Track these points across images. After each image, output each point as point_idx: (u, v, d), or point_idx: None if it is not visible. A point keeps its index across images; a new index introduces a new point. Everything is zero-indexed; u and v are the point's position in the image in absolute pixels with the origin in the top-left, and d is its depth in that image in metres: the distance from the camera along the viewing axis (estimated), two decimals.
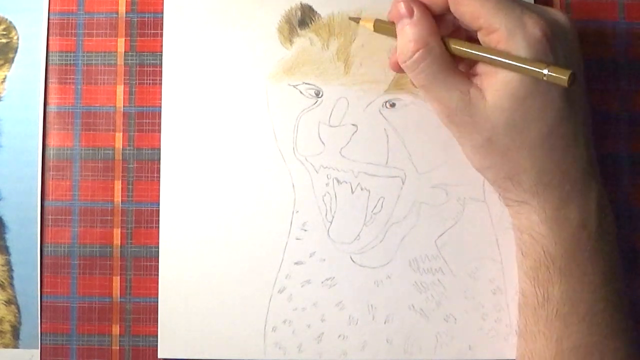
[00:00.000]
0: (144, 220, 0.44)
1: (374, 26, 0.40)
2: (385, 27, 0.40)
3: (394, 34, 0.39)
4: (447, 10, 0.38)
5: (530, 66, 0.35)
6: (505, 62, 0.35)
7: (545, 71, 0.34)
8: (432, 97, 0.38)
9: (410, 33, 0.37)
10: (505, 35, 0.36)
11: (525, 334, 0.39)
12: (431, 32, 0.37)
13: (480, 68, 0.38)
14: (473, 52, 0.37)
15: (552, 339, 0.37)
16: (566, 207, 0.37)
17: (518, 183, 0.38)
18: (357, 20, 0.42)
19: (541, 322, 0.38)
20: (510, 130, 0.37)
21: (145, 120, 0.45)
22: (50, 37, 0.45)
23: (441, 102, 0.38)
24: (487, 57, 0.36)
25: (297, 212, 0.43)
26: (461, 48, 0.37)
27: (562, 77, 0.34)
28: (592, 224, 0.38)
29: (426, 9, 0.38)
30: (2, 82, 0.44)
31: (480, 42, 0.38)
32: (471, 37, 0.39)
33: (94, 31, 0.45)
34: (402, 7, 0.38)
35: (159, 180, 0.44)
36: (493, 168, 0.38)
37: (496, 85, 0.36)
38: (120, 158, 0.45)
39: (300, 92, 0.44)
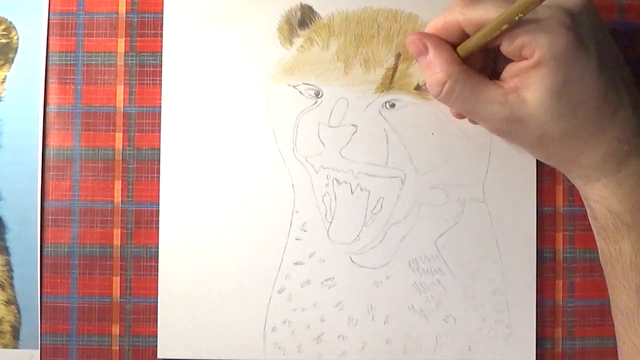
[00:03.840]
0: (144, 220, 0.44)
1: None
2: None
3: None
4: (464, 34, 0.38)
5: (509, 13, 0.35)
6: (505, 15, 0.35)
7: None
8: (476, 118, 0.39)
9: (432, 68, 0.38)
10: (527, 38, 0.36)
11: (610, 287, 0.40)
12: (451, 61, 0.38)
13: (510, 72, 0.38)
14: (480, 36, 0.37)
15: (633, 289, 0.38)
16: (625, 167, 0.38)
17: (579, 163, 0.39)
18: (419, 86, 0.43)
19: (620, 275, 0.39)
20: (559, 120, 0.37)
21: (145, 120, 0.45)
22: (50, 37, 0.45)
23: (486, 120, 0.38)
24: (490, 30, 0.36)
25: (297, 212, 0.43)
26: (469, 44, 0.38)
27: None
28: None
29: (439, 38, 0.39)
30: (2, 82, 0.44)
31: (507, 56, 0.38)
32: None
33: (94, 31, 0.45)
34: (416, 47, 0.39)
35: (159, 181, 0.44)
36: (554, 156, 0.39)
37: (532, 84, 0.37)
38: (120, 158, 0.45)
39: (300, 93, 0.44)
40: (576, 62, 0.36)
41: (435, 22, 0.39)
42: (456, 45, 0.39)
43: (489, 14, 0.36)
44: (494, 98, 0.37)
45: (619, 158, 0.38)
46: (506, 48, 0.37)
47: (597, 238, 0.41)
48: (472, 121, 0.41)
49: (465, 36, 0.38)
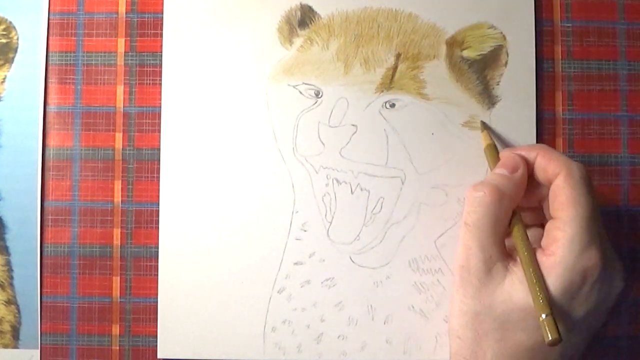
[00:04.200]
0: (144, 220, 0.44)
1: (485, 147, 0.42)
2: (491, 155, 0.42)
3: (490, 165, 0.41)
4: (547, 184, 0.38)
5: (541, 301, 0.35)
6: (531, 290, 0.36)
7: (544, 315, 0.34)
8: (464, 240, 0.38)
9: (497, 182, 0.38)
10: (566, 242, 0.36)
11: None
12: (513, 197, 0.38)
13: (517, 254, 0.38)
14: (519, 249, 0.37)
15: None
16: None
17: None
18: (483, 127, 0.43)
19: None
20: (501, 320, 0.37)
21: (145, 120, 0.45)
22: (50, 37, 0.45)
23: (467, 251, 0.38)
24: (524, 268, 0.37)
25: (297, 212, 0.43)
26: (515, 238, 0.38)
27: (549, 334, 0.34)
28: None
29: (527, 176, 0.39)
30: (2, 82, 0.44)
31: (545, 228, 0.38)
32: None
33: (94, 31, 0.45)
34: (511, 161, 0.39)
35: (159, 181, 0.44)
36: (462, 341, 0.38)
37: (521, 278, 0.36)
38: (120, 158, 0.45)
39: (300, 93, 0.44)
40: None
41: (540, 156, 0.39)
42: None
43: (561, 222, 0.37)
44: (492, 250, 0.37)
45: None
46: (550, 227, 0.37)
47: None
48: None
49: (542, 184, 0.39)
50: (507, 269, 0.37)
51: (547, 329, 0.34)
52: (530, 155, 0.39)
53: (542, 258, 0.36)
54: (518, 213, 0.39)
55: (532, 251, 0.37)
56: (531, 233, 0.39)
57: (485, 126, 0.43)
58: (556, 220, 0.37)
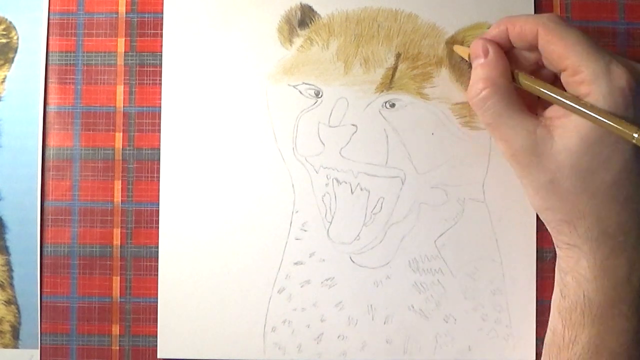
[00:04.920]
0: (144, 220, 0.44)
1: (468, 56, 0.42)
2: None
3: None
4: (534, 47, 0.39)
5: (620, 126, 0.35)
6: (591, 114, 0.36)
7: (636, 135, 0.34)
8: (498, 135, 0.39)
9: (480, 72, 0.39)
10: (590, 78, 0.36)
11: None
12: (502, 74, 0.39)
13: (551, 110, 0.38)
14: (550, 94, 0.38)
15: None
16: (616, 257, 0.37)
17: (574, 227, 0.38)
18: (451, 45, 0.43)
19: None
20: (575, 174, 0.37)
21: (145, 120, 0.45)
22: (50, 37, 0.45)
23: (507, 141, 0.38)
24: (566, 103, 0.37)
25: (297, 212, 0.43)
26: (535, 86, 0.38)
27: None
28: (636, 279, 0.38)
29: (501, 49, 0.39)
30: (2, 82, 0.44)
31: (563, 82, 0.38)
32: (550, 79, 0.40)
33: (94, 31, 0.45)
34: (479, 47, 0.39)
35: (159, 180, 0.44)
36: (552, 210, 0.39)
37: (566, 127, 0.37)
38: (120, 158, 0.45)
39: (300, 92, 0.44)
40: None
41: (510, 23, 0.39)
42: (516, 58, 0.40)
43: (570, 61, 0.37)
44: (524, 124, 0.38)
45: (612, 245, 0.37)
46: (566, 77, 0.38)
47: (555, 318, 0.40)
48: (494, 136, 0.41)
49: (530, 46, 0.39)
50: (548, 128, 0.37)
51: None
52: (500, 30, 0.39)
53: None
54: (518, 72, 0.39)
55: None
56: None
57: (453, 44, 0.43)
58: (568, 69, 0.37)
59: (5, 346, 0.44)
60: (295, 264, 0.43)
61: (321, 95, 0.44)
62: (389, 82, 0.44)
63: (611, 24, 0.45)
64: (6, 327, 0.44)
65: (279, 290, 0.43)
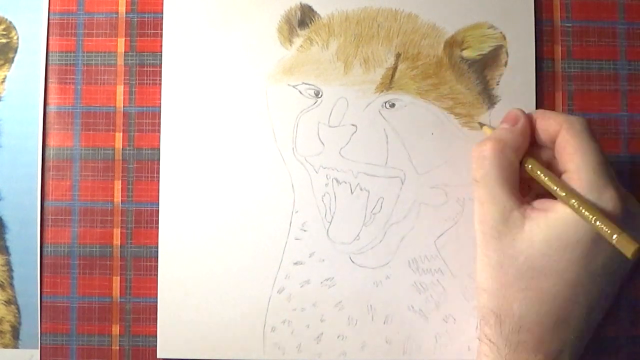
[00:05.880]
0: (144, 220, 0.44)
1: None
2: None
3: None
4: (551, 144, 0.39)
5: (605, 225, 0.34)
6: (580, 210, 0.36)
7: (615, 236, 0.34)
8: (478, 196, 0.39)
9: (499, 134, 0.39)
10: (583, 188, 0.36)
11: None
12: (515, 148, 0.39)
13: (536, 202, 0.38)
14: (548, 181, 0.38)
15: None
16: None
17: (500, 323, 0.37)
18: (482, 125, 0.43)
19: None
20: (525, 268, 0.37)
21: (145, 120, 0.45)
22: (50, 37, 0.45)
23: (482, 205, 0.39)
24: (561, 194, 0.37)
25: (297, 212, 0.43)
26: (536, 175, 0.38)
27: (629, 246, 0.33)
28: None
29: (529, 130, 0.39)
30: (2, 82, 0.45)
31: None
32: None
33: (94, 31, 0.45)
34: (513, 114, 0.40)
35: (159, 180, 0.44)
36: (489, 294, 0.38)
37: (540, 223, 0.37)
38: (120, 158, 0.45)
39: (300, 92, 0.44)
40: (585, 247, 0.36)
41: (539, 117, 0.39)
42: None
43: (575, 165, 0.37)
44: (506, 200, 0.38)
45: (522, 352, 0.37)
46: (564, 179, 0.38)
47: None
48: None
49: (550, 141, 0.39)
50: (524, 216, 0.37)
51: (628, 242, 0.34)
52: (529, 119, 0.40)
53: None
54: (529, 156, 0.39)
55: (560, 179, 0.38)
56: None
57: (482, 125, 0.43)
58: (568, 172, 0.37)
59: (5, 346, 0.44)
60: (295, 264, 0.43)
61: (321, 95, 0.44)
62: (388, 82, 0.44)
63: (611, 24, 0.45)
64: (6, 327, 0.44)
65: (278, 290, 0.43)
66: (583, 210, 0.35)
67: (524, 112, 0.40)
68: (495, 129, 0.40)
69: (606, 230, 0.34)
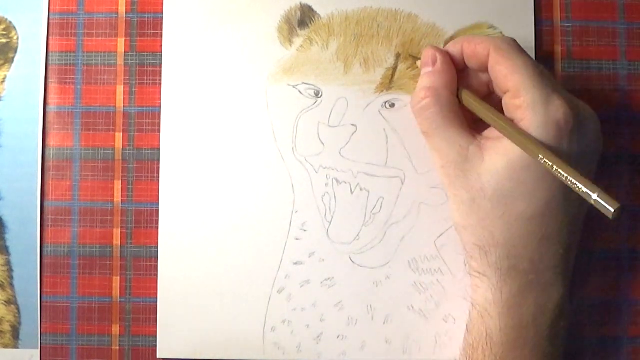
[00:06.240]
0: (144, 220, 0.44)
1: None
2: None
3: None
4: (485, 68, 0.39)
5: (581, 183, 0.33)
6: (520, 140, 0.36)
7: (594, 195, 0.33)
8: (432, 145, 0.39)
9: (425, 81, 0.39)
10: (528, 104, 0.36)
11: None
12: (446, 85, 0.39)
13: (488, 131, 0.39)
14: (487, 113, 0.38)
15: None
16: (523, 296, 0.37)
17: (485, 254, 0.38)
18: (416, 58, 0.43)
19: None
20: (496, 198, 0.37)
21: (145, 120, 0.45)
22: (50, 37, 0.45)
23: (439, 152, 0.39)
24: (501, 125, 0.37)
25: (297, 212, 0.43)
26: (475, 103, 0.38)
27: (609, 207, 0.32)
28: (543, 323, 0.37)
29: (450, 61, 0.39)
30: (2, 82, 0.45)
31: (503, 105, 0.38)
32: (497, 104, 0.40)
33: (94, 31, 0.45)
34: (428, 56, 0.40)
35: (159, 181, 0.44)
36: (468, 230, 0.38)
37: (497, 149, 0.37)
38: (120, 158, 0.45)
39: (300, 92, 0.44)
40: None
41: (466, 41, 0.39)
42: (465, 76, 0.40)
43: (513, 83, 0.37)
44: (459, 139, 0.38)
45: (521, 283, 0.37)
46: (506, 99, 0.38)
47: (460, 352, 0.40)
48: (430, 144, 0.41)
49: (482, 67, 0.39)
50: (481, 149, 0.37)
51: (605, 203, 0.32)
52: (456, 48, 0.40)
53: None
54: (462, 87, 0.39)
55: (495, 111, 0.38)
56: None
57: (416, 59, 0.43)
58: (509, 92, 0.37)
59: (5, 346, 0.44)
60: (295, 264, 0.43)
61: (321, 95, 0.44)
62: (388, 82, 0.44)
63: (611, 24, 0.45)
64: (6, 327, 0.44)
65: (278, 290, 0.43)
66: (553, 167, 0.34)
67: (437, 47, 0.40)
68: (421, 76, 0.40)
69: (581, 188, 0.33)
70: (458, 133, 0.38)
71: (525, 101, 0.36)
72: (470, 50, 0.39)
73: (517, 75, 0.36)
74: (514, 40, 0.38)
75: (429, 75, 0.39)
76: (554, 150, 0.35)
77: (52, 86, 0.45)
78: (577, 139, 0.36)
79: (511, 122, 0.37)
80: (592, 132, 0.38)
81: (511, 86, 0.37)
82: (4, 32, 0.45)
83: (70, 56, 0.45)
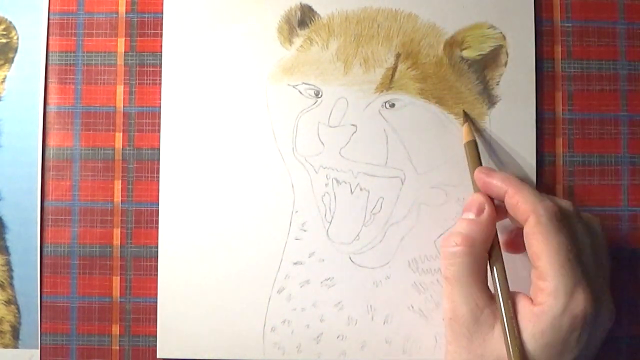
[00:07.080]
0: (144, 220, 0.44)
1: (465, 143, 0.42)
2: (470, 153, 0.41)
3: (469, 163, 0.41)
4: (519, 224, 0.38)
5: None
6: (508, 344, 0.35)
7: None
8: (448, 293, 0.38)
9: (464, 228, 0.38)
10: (550, 291, 0.35)
11: None
12: (484, 240, 0.38)
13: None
14: (501, 302, 0.37)
15: None
16: None
17: None
18: (465, 120, 0.43)
19: None
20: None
21: (145, 120, 0.45)
22: (50, 37, 0.45)
23: (453, 303, 0.37)
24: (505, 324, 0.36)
25: (297, 212, 0.43)
26: (499, 290, 0.37)
27: None
28: None
29: (495, 215, 0.38)
30: (2, 82, 0.45)
31: (530, 259, 0.37)
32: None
33: (94, 31, 0.45)
34: (475, 202, 0.39)
35: (159, 180, 0.44)
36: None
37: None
38: (120, 158, 0.45)
39: (300, 92, 0.44)
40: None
41: (513, 190, 0.38)
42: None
43: (542, 265, 0.36)
44: (477, 298, 0.37)
45: None
46: (533, 272, 0.37)
47: None
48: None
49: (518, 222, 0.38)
50: (495, 315, 0.37)
51: None
52: (500, 191, 0.39)
53: (531, 307, 0.36)
54: (498, 250, 0.38)
55: (510, 300, 0.37)
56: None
57: (467, 118, 0.43)
58: (536, 270, 0.36)
59: (5, 346, 0.44)
60: (295, 263, 0.43)
61: (321, 95, 0.44)
62: (388, 82, 0.44)
63: (611, 24, 0.45)
64: (6, 327, 0.44)
65: (278, 290, 0.43)
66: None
67: (488, 198, 0.39)
68: (462, 219, 0.39)
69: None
70: (478, 291, 0.37)
71: (549, 287, 0.35)
72: (513, 204, 0.38)
73: (548, 258, 0.35)
74: (559, 211, 0.37)
75: (470, 224, 0.38)
76: (563, 342, 0.35)
77: (52, 86, 0.45)
78: (587, 332, 0.35)
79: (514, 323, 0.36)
80: (608, 321, 0.37)
81: (540, 266, 0.36)
82: (4, 32, 0.45)
83: (70, 56, 0.45)
